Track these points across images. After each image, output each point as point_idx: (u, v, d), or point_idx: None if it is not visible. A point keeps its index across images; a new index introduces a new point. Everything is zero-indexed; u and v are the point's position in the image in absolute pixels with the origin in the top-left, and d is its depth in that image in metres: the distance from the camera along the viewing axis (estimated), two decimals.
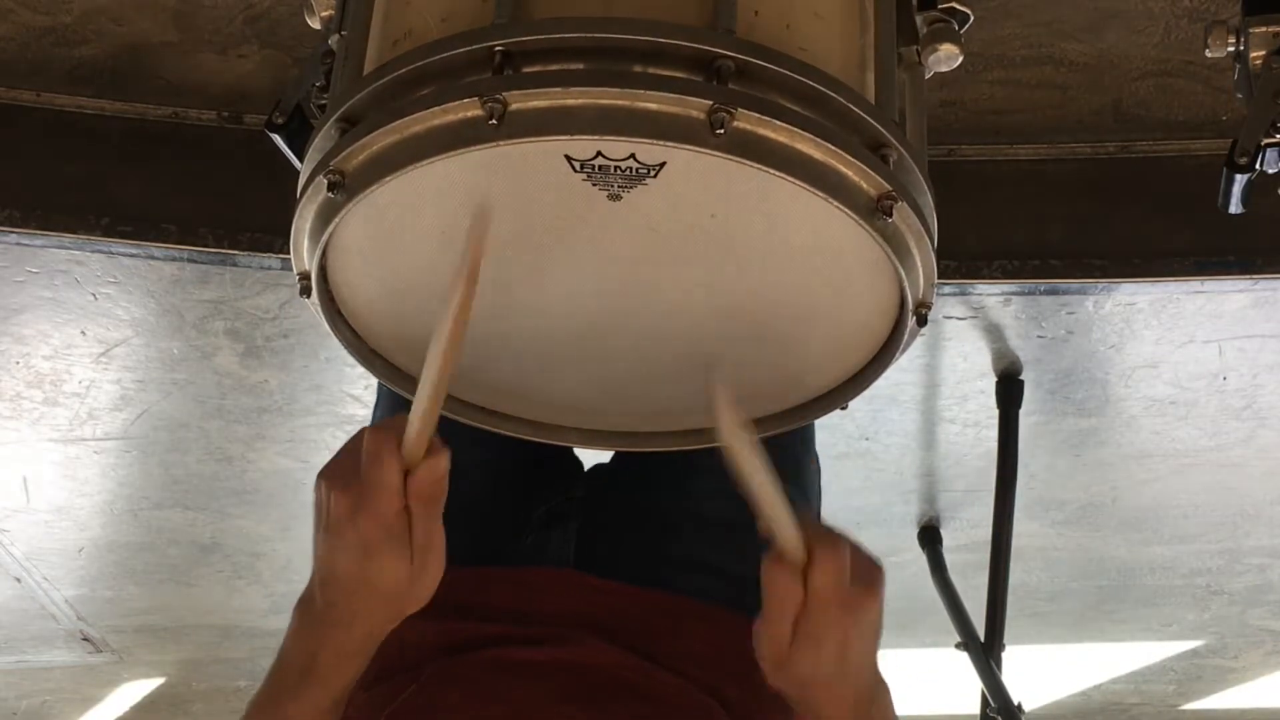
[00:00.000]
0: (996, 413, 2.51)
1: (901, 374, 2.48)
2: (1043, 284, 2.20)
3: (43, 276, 2.26)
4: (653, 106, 1.01)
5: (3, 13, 2.03)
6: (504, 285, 1.16)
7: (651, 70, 1.02)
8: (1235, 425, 2.62)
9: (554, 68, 1.03)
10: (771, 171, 1.03)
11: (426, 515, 1.07)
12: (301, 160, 1.18)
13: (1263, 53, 1.43)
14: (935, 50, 1.19)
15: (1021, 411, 2.50)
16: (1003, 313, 2.30)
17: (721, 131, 1.00)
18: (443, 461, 1.07)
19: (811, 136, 1.03)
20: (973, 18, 1.22)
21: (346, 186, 1.08)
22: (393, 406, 1.43)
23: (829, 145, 1.04)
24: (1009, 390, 2.49)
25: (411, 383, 1.10)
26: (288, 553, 3.15)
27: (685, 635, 1.36)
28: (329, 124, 1.11)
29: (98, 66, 2.12)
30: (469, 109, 1.02)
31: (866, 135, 1.08)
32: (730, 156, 1.01)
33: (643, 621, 1.35)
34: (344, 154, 1.07)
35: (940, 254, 1.13)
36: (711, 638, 1.35)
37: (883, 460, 2.78)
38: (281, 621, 1.16)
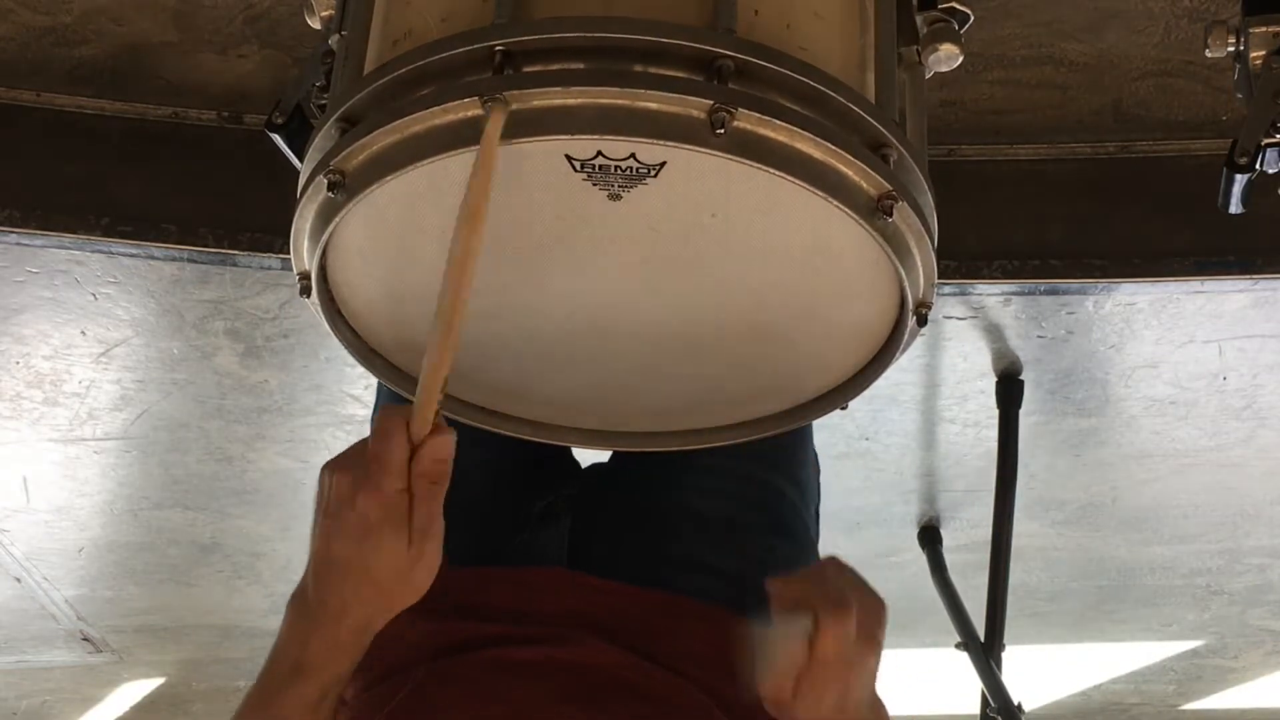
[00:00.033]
0: (996, 413, 2.51)
1: (901, 374, 2.48)
2: (1043, 284, 2.20)
3: (43, 276, 2.26)
4: (653, 106, 1.01)
5: (3, 13, 2.03)
6: (504, 285, 1.16)
7: (652, 70, 1.02)
8: (1235, 425, 2.62)
9: (554, 67, 1.03)
10: (772, 171, 1.03)
11: (428, 496, 1.06)
12: (301, 160, 1.18)
13: (1263, 53, 1.43)
14: (935, 50, 1.19)
15: (1021, 411, 2.50)
16: (1003, 313, 2.30)
17: (722, 131, 1.00)
18: (448, 440, 1.06)
19: (812, 136, 1.03)
20: (973, 18, 1.22)
21: (346, 186, 1.08)
22: None
23: (829, 145, 1.04)
24: (1009, 390, 2.49)
25: (411, 382, 1.10)
26: (288, 553, 3.15)
27: (685, 635, 1.36)
28: (329, 124, 1.11)
29: (98, 66, 2.12)
30: (469, 109, 1.02)
31: (867, 135, 1.08)
32: (730, 156, 1.02)
33: (642, 621, 1.35)
34: (344, 154, 1.07)
35: (940, 254, 1.13)
36: (711, 637, 1.35)
37: (883, 460, 2.78)
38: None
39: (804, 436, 1.56)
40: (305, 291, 1.21)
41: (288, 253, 1.18)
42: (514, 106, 1.01)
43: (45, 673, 3.86)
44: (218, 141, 2.18)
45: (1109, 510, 2.95)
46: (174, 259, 2.20)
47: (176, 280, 2.27)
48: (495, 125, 1.00)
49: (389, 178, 1.06)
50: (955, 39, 1.19)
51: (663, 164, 1.04)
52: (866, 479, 2.82)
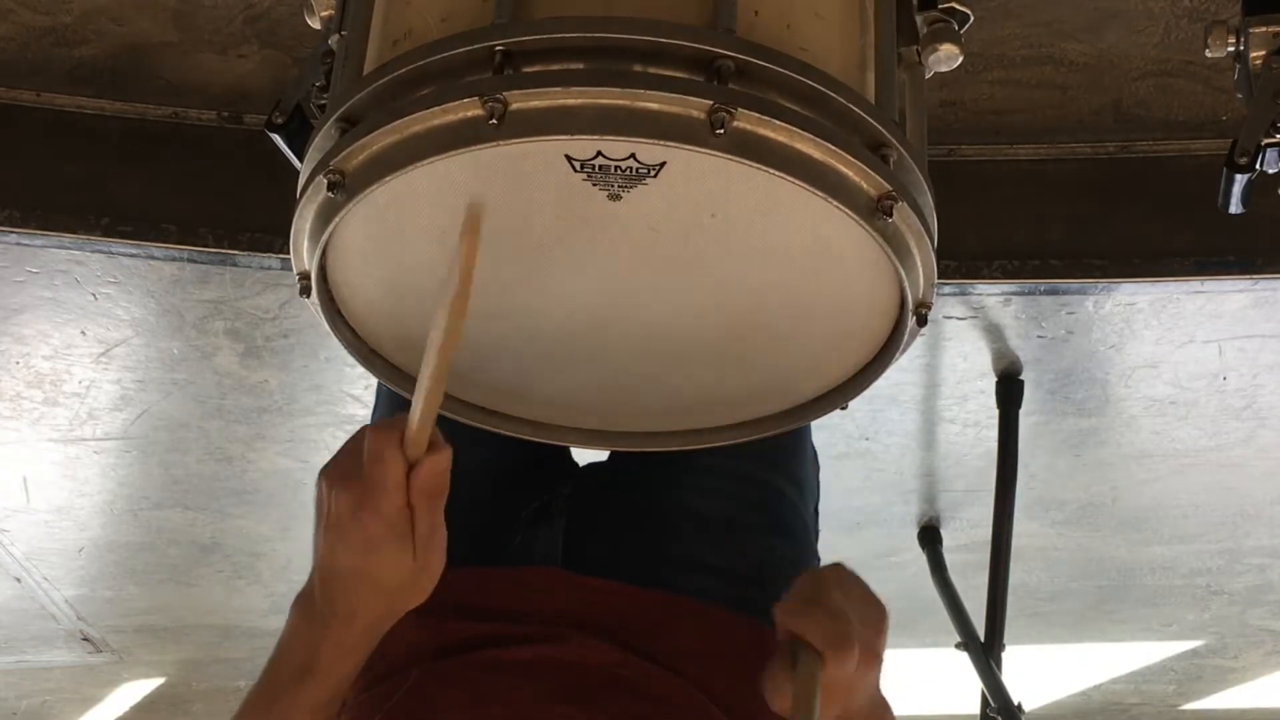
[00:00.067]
0: (996, 413, 2.51)
1: (901, 374, 2.48)
2: (1043, 284, 2.20)
3: (43, 276, 2.26)
4: (653, 106, 1.01)
5: (3, 13, 2.03)
6: (504, 285, 1.16)
7: (652, 70, 1.02)
8: (1235, 425, 2.62)
9: (554, 67, 1.03)
10: (772, 171, 1.03)
11: (429, 509, 1.07)
12: (301, 160, 1.18)
13: (1263, 53, 1.43)
14: (935, 50, 1.19)
15: (1021, 411, 2.50)
16: (1003, 313, 2.30)
17: (722, 131, 1.00)
18: (445, 457, 1.07)
19: (811, 136, 1.03)
20: (973, 18, 1.22)
21: (346, 186, 1.08)
22: (393, 407, 1.43)
23: (829, 145, 1.04)
24: (1009, 390, 2.49)
25: (411, 382, 1.10)
26: (288, 553, 3.15)
27: (684, 635, 1.36)
28: (329, 124, 1.11)
29: (98, 66, 2.12)
30: (469, 109, 1.02)
31: (866, 135, 1.08)
32: (730, 156, 1.01)
33: (641, 621, 1.35)
34: (344, 154, 1.07)
35: (940, 254, 1.13)
36: (710, 637, 1.35)
37: (883, 460, 2.78)
38: (281, 621, 1.16)
39: (803, 435, 1.56)
40: (305, 291, 1.21)
41: (288, 253, 1.18)
42: (514, 106, 1.01)
43: (45, 673, 3.86)
44: (218, 141, 2.18)
45: (1109, 510, 2.95)
46: (174, 259, 2.20)
47: (176, 280, 2.27)
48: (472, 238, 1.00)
49: (389, 178, 1.06)
50: (955, 39, 1.19)
51: (663, 164, 1.04)
52: (866, 479, 2.82)
